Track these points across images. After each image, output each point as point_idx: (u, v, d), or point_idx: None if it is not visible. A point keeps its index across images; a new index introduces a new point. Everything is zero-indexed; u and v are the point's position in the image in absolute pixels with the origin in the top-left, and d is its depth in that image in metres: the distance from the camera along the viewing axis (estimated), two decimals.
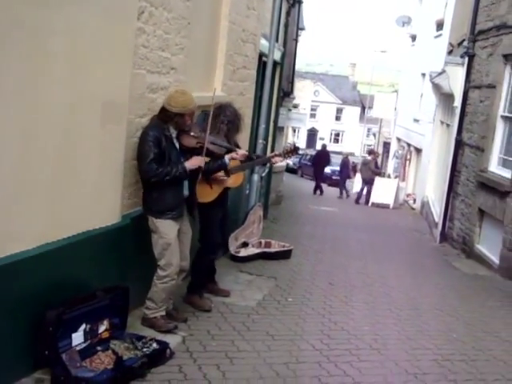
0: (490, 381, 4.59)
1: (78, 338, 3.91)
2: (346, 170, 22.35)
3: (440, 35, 18.08)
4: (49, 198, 3.75)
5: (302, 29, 19.81)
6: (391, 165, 27.59)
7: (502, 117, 9.68)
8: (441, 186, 13.09)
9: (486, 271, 8.95)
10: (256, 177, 8.83)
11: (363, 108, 56.07)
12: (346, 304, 6.25)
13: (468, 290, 7.78)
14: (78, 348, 3.87)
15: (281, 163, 10.81)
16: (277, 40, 9.80)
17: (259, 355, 4.54)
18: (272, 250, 7.97)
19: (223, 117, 5.39)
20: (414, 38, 25.11)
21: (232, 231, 7.39)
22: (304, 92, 46.64)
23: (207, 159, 4.84)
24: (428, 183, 16.48)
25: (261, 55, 8.86)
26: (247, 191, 8.64)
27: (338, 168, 24.17)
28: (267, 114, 9.52)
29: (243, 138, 6.72)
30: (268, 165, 8.71)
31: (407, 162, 23.25)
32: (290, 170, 27.27)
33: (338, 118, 63.92)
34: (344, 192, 21.50)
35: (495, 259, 8.89)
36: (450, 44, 14.59)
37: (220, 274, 6.16)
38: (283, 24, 11.63)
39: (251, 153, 5.92)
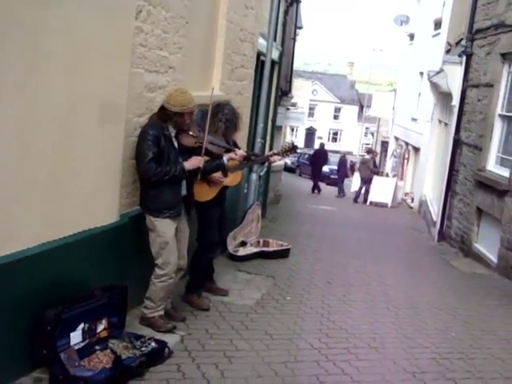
0: (488, 379, 4.59)
1: (76, 337, 3.91)
2: (344, 168, 22.35)
3: (438, 34, 18.10)
4: (47, 197, 3.74)
5: (300, 28, 19.79)
6: (389, 164, 27.62)
7: (499, 115, 9.69)
8: (439, 185, 13.11)
9: (483, 270, 8.96)
10: (254, 176, 8.84)
11: (361, 107, 56.09)
12: (345, 303, 6.26)
13: (466, 289, 7.79)
14: (76, 347, 3.87)
15: (279, 162, 10.85)
16: (275, 39, 9.79)
17: (258, 354, 4.54)
18: (270, 249, 7.97)
19: (221, 115, 5.39)
20: (412, 36, 25.13)
21: (230, 230, 7.39)
22: (302, 91, 46.48)
23: (206, 158, 4.85)
24: (426, 182, 16.50)
25: (259, 54, 8.86)
26: (245, 190, 8.64)
27: (335, 167, 24.19)
28: (265, 113, 9.53)
29: (241, 137, 6.72)
30: (266, 164, 8.72)
31: (405, 160, 23.28)
32: (288, 169, 27.29)
33: (336, 117, 63.89)
34: (341, 191, 21.51)
35: (493, 258, 8.91)
36: (448, 43, 14.60)
37: (218, 273, 6.16)
38: (281, 23, 11.61)
39: (249, 152, 5.91)
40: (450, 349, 5.17)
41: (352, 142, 59.06)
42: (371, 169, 19.75)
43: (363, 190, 19.60)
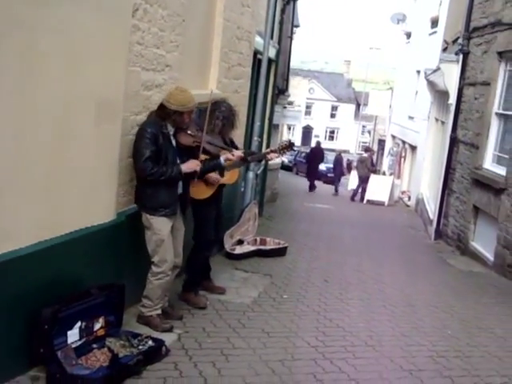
0: (485, 377, 4.60)
1: (73, 335, 3.91)
2: (340, 167, 22.35)
3: (435, 32, 18.11)
4: (43, 195, 3.74)
5: (297, 26, 19.78)
6: (386, 162, 27.64)
7: (496, 114, 9.71)
8: (436, 183, 13.12)
9: (480, 268, 8.97)
10: (251, 174, 8.83)
11: (358, 105, 56.07)
12: (341, 301, 6.26)
13: (463, 287, 7.81)
14: (73, 345, 3.87)
15: (276, 160, 10.84)
16: (272, 37, 9.79)
17: (255, 352, 4.54)
18: (267, 247, 7.98)
19: (218, 113, 5.39)
20: (408, 35, 25.14)
21: (227, 229, 7.39)
22: (299, 89, 46.60)
23: (204, 157, 4.84)
24: (423, 180, 16.51)
25: (256, 53, 8.85)
26: (242, 189, 8.64)
27: (332, 165, 24.19)
28: (262, 112, 9.52)
29: (238, 135, 6.72)
30: (263, 162, 8.71)
31: (402, 159, 23.28)
32: (285, 167, 27.27)
33: (332, 116, 63.88)
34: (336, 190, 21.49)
35: (490, 256, 8.92)
36: (445, 41, 14.61)
37: (215, 272, 6.16)
38: (278, 21, 11.60)
39: (246, 152, 5.90)
40: (446, 347, 5.18)
41: (349, 140, 59.13)
42: (369, 167, 19.76)
43: (360, 189, 19.61)
